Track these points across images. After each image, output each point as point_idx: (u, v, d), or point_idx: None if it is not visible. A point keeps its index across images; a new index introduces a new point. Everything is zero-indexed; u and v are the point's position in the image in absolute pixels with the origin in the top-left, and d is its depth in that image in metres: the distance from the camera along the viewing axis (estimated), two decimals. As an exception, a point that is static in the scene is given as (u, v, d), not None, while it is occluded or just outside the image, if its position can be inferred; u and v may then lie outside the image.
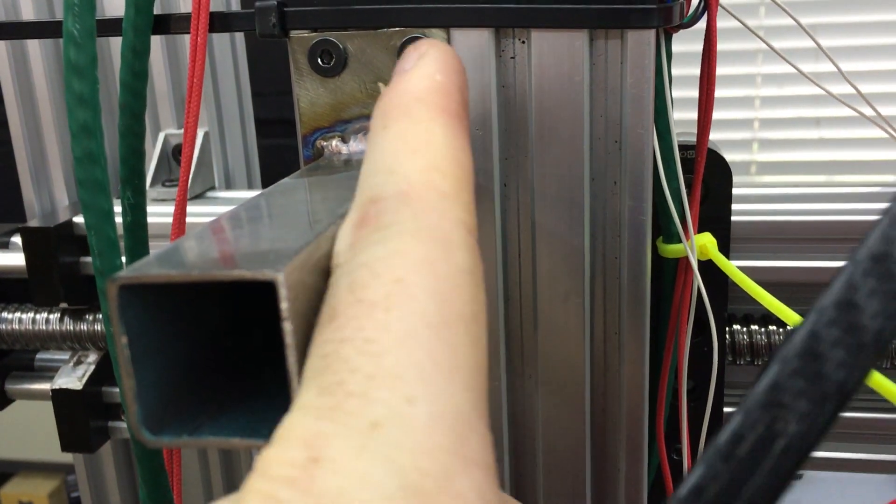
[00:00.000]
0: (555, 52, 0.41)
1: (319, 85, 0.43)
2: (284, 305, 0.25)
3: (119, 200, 0.44)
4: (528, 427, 0.47)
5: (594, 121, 0.42)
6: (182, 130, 0.69)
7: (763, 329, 0.55)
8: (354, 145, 0.43)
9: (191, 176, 0.66)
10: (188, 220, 0.64)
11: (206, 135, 0.68)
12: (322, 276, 0.27)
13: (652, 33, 0.40)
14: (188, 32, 0.43)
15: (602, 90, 0.41)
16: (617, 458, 0.47)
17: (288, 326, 0.25)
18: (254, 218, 0.31)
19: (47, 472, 2.28)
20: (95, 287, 0.65)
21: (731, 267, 0.46)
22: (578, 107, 0.41)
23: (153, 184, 0.67)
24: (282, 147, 0.80)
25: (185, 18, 0.44)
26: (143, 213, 0.46)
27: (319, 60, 0.42)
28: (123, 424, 0.67)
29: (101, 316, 0.65)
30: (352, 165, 0.41)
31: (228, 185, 0.73)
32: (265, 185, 0.78)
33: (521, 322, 0.46)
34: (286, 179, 0.37)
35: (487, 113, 0.42)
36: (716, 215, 0.51)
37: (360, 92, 0.43)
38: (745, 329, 0.56)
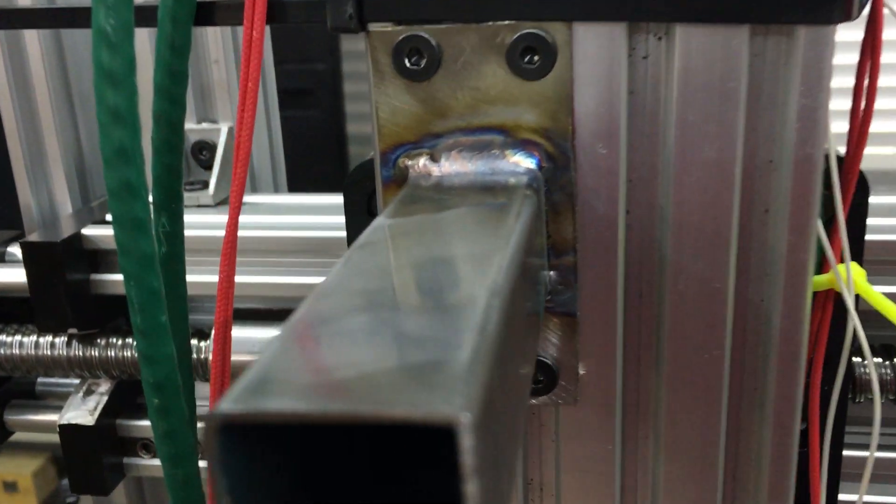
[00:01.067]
0: (705, 52, 0.32)
1: (405, 91, 0.34)
2: (468, 461, 0.17)
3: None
4: (642, 499, 0.40)
5: (747, 136, 0.34)
6: (202, 125, 0.60)
7: (889, 362, 0.48)
8: (447, 165, 0.35)
9: (214, 179, 0.58)
10: (213, 232, 0.55)
11: (231, 130, 0.60)
12: (518, 397, 0.19)
13: (831, 31, 0.32)
14: (239, 24, 0.35)
15: (756, 99, 0.33)
16: (750, 532, 0.39)
17: (472, 489, 0.17)
18: (376, 302, 0.23)
19: (32, 451, 2.19)
20: (106, 308, 0.57)
21: (883, 300, 0.39)
22: (731, 120, 0.33)
23: (171, 188, 0.59)
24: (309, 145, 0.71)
25: (234, 7, 0.36)
26: (181, 243, 0.38)
27: (406, 61, 0.34)
28: (141, 461, 0.59)
29: (114, 340, 0.56)
30: (451, 192, 0.33)
31: (254, 189, 0.64)
32: (292, 187, 0.69)
33: (640, 375, 0.38)
34: (381, 222, 0.29)
35: (614, 125, 0.34)
36: (852, 237, 0.44)
37: (455, 100, 0.34)
38: (862, 362, 0.49)
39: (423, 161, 0.35)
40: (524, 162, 0.34)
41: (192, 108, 0.61)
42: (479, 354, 0.19)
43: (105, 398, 0.57)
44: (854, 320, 0.38)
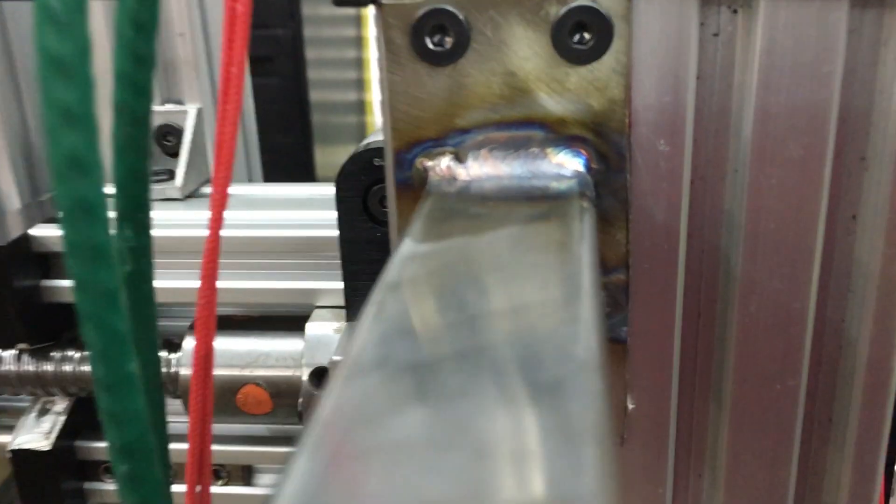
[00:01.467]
0: (795, 28, 0.27)
1: (426, 77, 0.28)
2: None
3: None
4: (698, 543, 0.34)
5: (838, 130, 0.28)
6: (166, 107, 0.53)
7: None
8: (476, 167, 0.29)
9: (183, 169, 0.51)
10: (181, 232, 0.49)
11: (200, 112, 0.53)
12: None
13: (951, 1, 0.26)
14: (217, -5, 0.28)
15: (850, 85, 0.28)
16: (818, 580, 0.34)
17: None
18: (434, 386, 0.16)
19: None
20: (61, 318, 0.51)
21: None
22: (824, 110, 0.27)
23: (132, 179, 0.52)
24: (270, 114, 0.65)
25: (211, -28, 0.29)
26: (149, 261, 0.32)
27: (428, 41, 0.28)
28: (104, 485, 0.53)
29: (71, 354, 0.50)
30: (487, 204, 0.27)
31: (227, 176, 0.57)
32: (274, 177, 0.62)
33: (695, 408, 0.32)
34: (411, 250, 0.23)
35: (679, 117, 0.28)
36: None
37: (486, 88, 0.28)
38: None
39: (446, 161, 0.29)
40: (570, 163, 0.28)
41: (155, 87, 0.53)
42: (609, 484, 0.14)
43: (62, 418, 0.51)
44: (942, 339, 0.33)
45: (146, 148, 0.30)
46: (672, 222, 0.29)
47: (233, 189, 0.52)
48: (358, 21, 2.31)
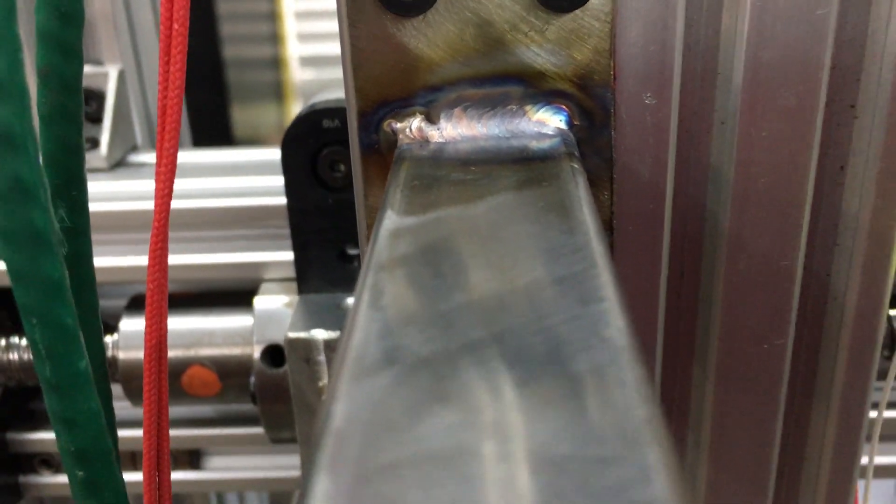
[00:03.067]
0: (788, -30, 0.25)
1: (392, 30, 0.26)
2: None
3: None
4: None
5: (830, 77, 0.27)
6: (85, 69, 0.49)
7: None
8: (450, 128, 0.26)
9: (107, 136, 0.47)
10: (109, 205, 0.45)
11: (122, 74, 0.49)
12: None
13: (949, -64, 0.25)
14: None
15: (842, 29, 0.26)
16: (802, 537, 0.34)
17: None
18: (454, 386, 0.14)
19: None
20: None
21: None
22: (818, 57, 0.26)
23: (52, 149, 0.48)
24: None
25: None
26: (88, 242, 0.29)
27: (395, -12, 0.25)
28: (41, 478, 0.49)
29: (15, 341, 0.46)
30: (470, 169, 0.24)
31: (154, 144, 0.54)
32: (197, 140, 0.59)
33: (679, 367, 0.31)
34: (397, 223, 0.21)
35: (667, 68, 0.26)
36: None
37: (459, 41, 0.26)
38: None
39: (416, 123, 0.27)
40: (551, 120, 0.26)
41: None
42: (679, 488, 0.12)
43: (-10, 410, 0.47)
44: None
45: (78, 116, 0.27)
46: (658, 180, 0.28)
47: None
48: (268, -28, 2.23)
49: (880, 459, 0.45)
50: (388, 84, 0.26)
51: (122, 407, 0.39)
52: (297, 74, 2.16)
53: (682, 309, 0.31)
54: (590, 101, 0.26)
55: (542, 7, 0.25)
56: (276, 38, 2.26)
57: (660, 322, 0.30)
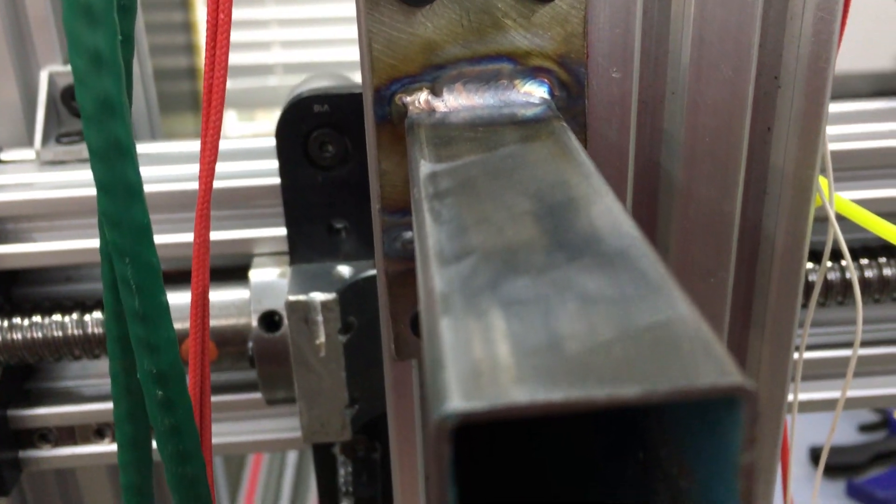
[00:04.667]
0: (723, -34, 0.31)
1: (402, 17, 0.31)
2: (748, 431, 0.15)
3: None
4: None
5: (759, 53, 0.33)
6: (70, 67, 0.52)
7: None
8: (452, 99, 0.32)
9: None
10: (76, 192, 0.48)
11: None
12: None
13: (847, -61, 0.31)
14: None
15: (768, 10, 0.32)
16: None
17: (750, 458, 0.15)
18: (521, 263, 0.19)
19: None
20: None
21: (860, 210, 0.40)
22: (748, 36, 0.32)
23: (45, 142, 0.51)
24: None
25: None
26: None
27: (408, -17, 0.30)
28: (40, 452, 0.52)
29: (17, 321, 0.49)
30: (479, 129, 0.29)
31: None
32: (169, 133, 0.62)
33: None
34: (433, 168, 0.26)
35: (629, 47, 0.32)
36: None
37: (460, 26, 0.31)
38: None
39: (424, 96, 0.32)
40: (536, 91, 0.32)
41: (56, 46, 0.52)
42: (690, 304, 0.17)
43: (-9, 389, 0.50)
44: (834, 227, 0.38)
45: (129, 96, 0.31)
46: (623, 142, 0.33)
47: (141, 147, 0.52)
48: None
49: (803, 396, 0.51)
50: (398, 64, 0.31)
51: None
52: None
53: (642, 253, 0.36)
54: (567, 75, 0.32)
55: (528, -2, 0.31)
56: (191, 49, 2.27)
57: (624, 263, 0.36)
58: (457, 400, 0.15)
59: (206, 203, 0.31)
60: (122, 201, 0.25)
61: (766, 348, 0.38)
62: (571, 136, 0.28)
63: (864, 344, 0.50)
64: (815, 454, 1.32)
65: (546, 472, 0.24)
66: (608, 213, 0.22)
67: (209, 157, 0.31)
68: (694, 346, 0.16)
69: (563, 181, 0.24)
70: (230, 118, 1.72)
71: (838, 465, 1.30)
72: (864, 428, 1.37)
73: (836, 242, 0.40)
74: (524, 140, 0.28)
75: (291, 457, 1.03)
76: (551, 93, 0.32)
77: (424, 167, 0.26)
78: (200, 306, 0.32)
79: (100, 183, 0.25)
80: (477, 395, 0.15)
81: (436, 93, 0.32)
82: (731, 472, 0.15)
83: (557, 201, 0.23)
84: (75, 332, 0.49)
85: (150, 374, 0.27)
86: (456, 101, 0.32)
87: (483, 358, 0.16)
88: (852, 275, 0.41)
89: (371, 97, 0.32)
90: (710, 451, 0.16)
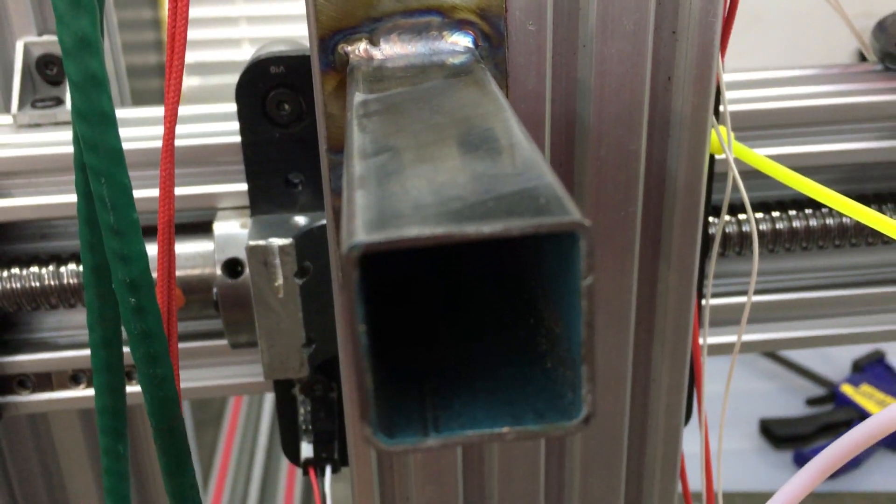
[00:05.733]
0: (622, -68, 0.36)
1: (343, -25, 0.35)
2: (586, 259, 0.20)
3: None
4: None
5: (657, 9, 0.38)
6: (44, 38, 0.56)
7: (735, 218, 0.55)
8: (388, 48, 0.36)
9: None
10: (50, 150, 0.52)
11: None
12: None
13: None
14: None
15: (663, -26, 0.37)
16: (660, 370, 0.45)
17: (590, 282, 0.20)
18: (428, 155, 0.24)
19: None
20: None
21: (757, 155, 0.45)
22: (646, -7, 0.37)
23: (21, 107, 0.55)
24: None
25: None
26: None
27: (346, -56, 0.34)
28: (20, 398, 0.56)
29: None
30: (410, 70, 0.34)
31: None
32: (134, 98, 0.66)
33: (563, 238, 0.42)
34: (364, 97, 0.30)
35: (542, 3, 0.37)
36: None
37: (394, -17, 0.35)
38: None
39: (363, 45, 0.36)
40: (462, 41, 0.36)
41: (31, 19, 0.56)
42: (557, 179, 0.22)
43: (-29, 337, 0.54)
44: (733, 171, 0.43)
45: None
46: (540, 89, 0.38)
47: (125, 112, 0.56)
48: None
49: (712, 339, 0.56)
50: (340, 17, 0.36)
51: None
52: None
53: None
54: (489, 27, 0.36)
55: (453, -42, 0.35)
56: (160, 46, 2.29)
57: (545, 199, 0.40)
58: (362, 235, 0.19)
59: (169, 152, 0.35)
60: (98, 127, 0.30)
61: (672, 277, 0.42)
62: (487, 74, 0.33)
63: (762, 292, 0.55)
64: (764, 427, 1.38)
65: (461, 331, 0.28)
66: (504, 122, 0.26)
67: (171, 107, 0.35)
68: (549, 199, 0.20)
69: (473, 103, 0.28)
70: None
71: (787, 436, 1.36)
72: (812, 401, 1.43)
73: (738, 194, 0.45)
74: (447, 77, 0.32)
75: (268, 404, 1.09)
76: (475, 43, 0.36)
77: (358, 97, 0.30)
78: (167, 238, 0.36)
79: (78, 111, 0.29)
80: (376, 232, 0.19)
81: (374, 42, 0.36)
82: (577, 295, 0.20)
83: (465, 115, 0.27)
84: (52, 282, 0.53)
85: (123, 283, 0.32)
86: (391, 50, 0.36)
87: (385, 210, 0.20)
88: (752, 225, 0.46)
89: (317, 47, 0.36)
90: (564, 281, 0.21)
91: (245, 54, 1.77)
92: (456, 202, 0.21)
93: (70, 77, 0.29)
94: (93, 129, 0.30)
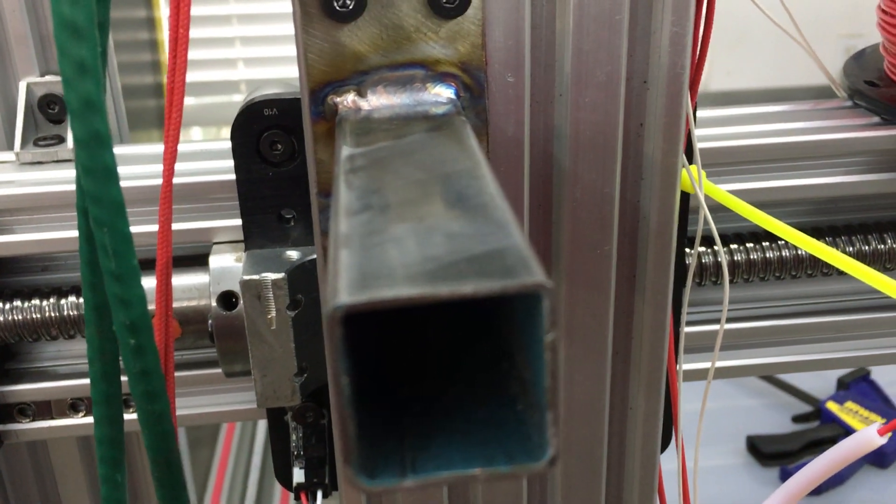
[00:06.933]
0: (595, -10, 0.38)
1: (332, 31, 0.37)
2: (548, 317, 0.22)
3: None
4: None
5: (628, 61, 0.40)
6: (46, 78, 0.58)
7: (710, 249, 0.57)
8: (375, 100, 0.38)
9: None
10: (52, 188, 0.54)
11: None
12: None
13: (694, -31, 0.38)
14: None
15: (635, 28, 0.40)
16: (635, 409, 0.47)
17: (553, 337, 0.22)
18: (408, 215, 0.26)
19: None
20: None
21: (724, 193, 0.47)
22: (617, 47, 0.39)
23: (24, 145, 0.57)
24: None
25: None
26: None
27: (335, 3, 0.37)
28: (20, 426, 0.58)
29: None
30: (394, 122, 0.36)
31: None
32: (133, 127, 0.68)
33: (543, 274, 0.44)
34: (351, 151, 0.32)
35: (520, 56, 0.39)
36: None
37: (379, 38, 0.38)
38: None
39: (351, 97, 0.38)
40: (444, 92, 0.38)
41: (34, 60, 0.58)
42: (525, 239, 0.24)
43: (-27, 368, 0.55)
44: (704, 210, 0.46)
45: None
46: (519, 135, 0.40)
47: (123, 149, 0.58)
48: (148, 1, 2.29)
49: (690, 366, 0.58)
50: (330, 70, 0.38)
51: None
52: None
53: (541, 229, 0.43)
54: (470, 79, 0.39)
55: (436, 16, 0.37)
56: (157, 67, 2.32)
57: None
58: (344, 296, 0.21)
59: (168, 192, 0.37)
60: (101, 182, 0.32)
61: (647, 310, 0.45)
62: (467, 127, 0.35)
63: (734, 320, 0.57)
64: (751, 444, 1.40)
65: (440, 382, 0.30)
66: (479, 180, 0.28)
67: (171, 148, 0.37)
68: (516, 261, 0.22)
69: (451, 159, 0.31)
70: (195, 134, 1.77)
71: (773, 452, 1.38)
72: (798, 418, 1.45)
73: (709, 228, 0.47)
74: (429, 131, 0.35)
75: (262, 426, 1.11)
76: (457, 94, 0.39)
77: (345, 151, 0.32)
78: (164, 277, 0.38)
79: (83, 167, 0.31)
80: (358, 293, 0.21)
81: (361, 94, 0.38)
82: (542, 348, 0.22)
83: (444, 172, 0.29)
84: (52, 314, 0.55)
85: (123, 325, 0.34)
86: (378, 101, 0.38)
87: (366, 271, 0.22)
88: (722, 257, 0.48)
89: (307, 98, 0.38)
90: (532, 336, 0.23)
91: (239, 74, 1.80)
92: (431, 263, 0.23)
93: (75, 135, 0.31)
94: (97, 184, 0.32)
